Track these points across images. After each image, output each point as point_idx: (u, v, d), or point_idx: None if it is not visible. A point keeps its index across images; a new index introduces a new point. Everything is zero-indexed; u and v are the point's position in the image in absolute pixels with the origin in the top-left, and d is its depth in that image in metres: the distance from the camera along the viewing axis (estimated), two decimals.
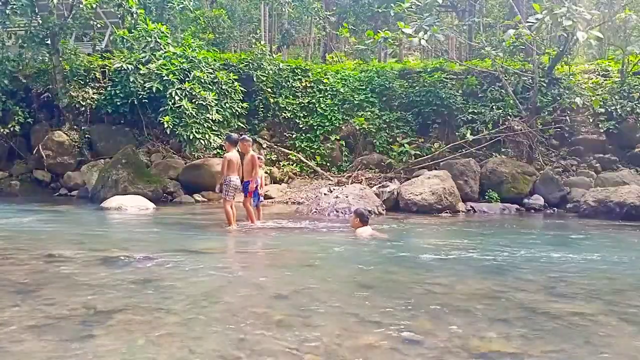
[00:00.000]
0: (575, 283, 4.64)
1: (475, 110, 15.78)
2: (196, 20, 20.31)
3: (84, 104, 15.85)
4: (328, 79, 17.24)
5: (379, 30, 14.96)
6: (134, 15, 14.22)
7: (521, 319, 3.39)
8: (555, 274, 4.94)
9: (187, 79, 13.49)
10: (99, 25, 17.39)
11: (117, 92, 15.70)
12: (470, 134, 14.97)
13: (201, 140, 13.16)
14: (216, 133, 13.73)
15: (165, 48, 13.75)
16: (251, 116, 16.28)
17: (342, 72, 17.69)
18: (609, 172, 14.00)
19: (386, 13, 19.52)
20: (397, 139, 15.86)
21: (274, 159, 16.04)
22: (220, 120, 13.96)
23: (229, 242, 6.75)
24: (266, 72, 16.45)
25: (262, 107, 16.63)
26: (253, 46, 18.39)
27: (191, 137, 12.96)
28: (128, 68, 14.02)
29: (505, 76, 15.46)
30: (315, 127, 16.58)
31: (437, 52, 19.68)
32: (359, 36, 23.57)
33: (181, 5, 17.71)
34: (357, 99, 16.76)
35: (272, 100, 16.70)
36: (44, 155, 14.95)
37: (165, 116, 12.87)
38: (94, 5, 14.54)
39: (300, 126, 16.70)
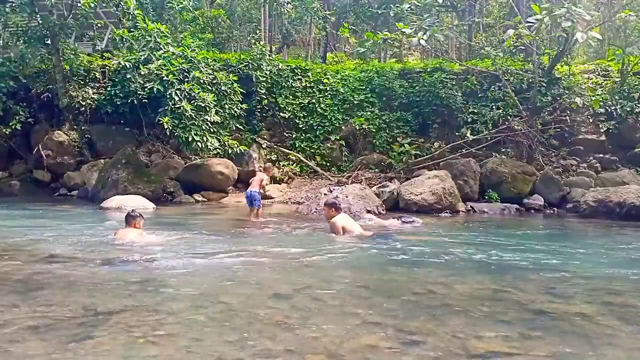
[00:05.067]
0: (575, 283, 4.63)
1: (476, 110, 15.77)
2: (195, 21, 20.31)
3: (83, 104, 15.85)
4: (328, 79, 17.23)
5: (379, 32, 14.95)
6: (130, 16, 14.20)
7: (521, 319, 3.39)
8: (555, 274, 4.94)
9: (187, 79, 13.48)
10: (98, 25, 17.39)
11: (117, 92, 15.72)
12: (471, 134, 14.97)
13: (199, 143, 13.12)
14: (214, 135, 13.70)
15: (165, 48, 13.74)
16: (251, 116, 16.27)
17: (342, 72, 17.69)
18: (609, 172, 13.99)
19: (386, 13, 19.52)
20: (397, 139, 15.86)
21: (273, 159, 16.04)
22: (219, 122, 13.94)
23: (228, 243, 6.75)
24: (266, 72, 16.44)
25: (261, 107, 16.63)
26: (253, 46, 18.38)
27: (189, 139, 12.94)
28: (127, 66, 14.02)
29: (505, 76, 15.46)
30: (315, 127, 16.58)
31: (437, 52, 19.68)
32: (359, 36, 23.58)
33: (181, 5, 17.70)
34: (357, 99, 16.75)
35: (271, 100, 16.69)
36: (44, 155, 14.95)
37: (164, 117, 12.86)
38: (93, 5, 14.52)
39: (300, 126, 16.70)
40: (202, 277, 4.58)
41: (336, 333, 3.02)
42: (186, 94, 13.08)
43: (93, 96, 16.01)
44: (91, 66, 16.50)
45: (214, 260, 5.41)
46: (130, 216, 6.67)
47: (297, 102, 16.85)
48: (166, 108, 12.96)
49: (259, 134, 16.45)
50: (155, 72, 13.31)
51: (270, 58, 17.17)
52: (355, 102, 16.72)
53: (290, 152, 16.21)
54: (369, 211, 10.77)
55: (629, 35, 17.55)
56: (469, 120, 15.69)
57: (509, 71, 15.75)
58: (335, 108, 16.74)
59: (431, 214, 11.13)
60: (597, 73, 16.72)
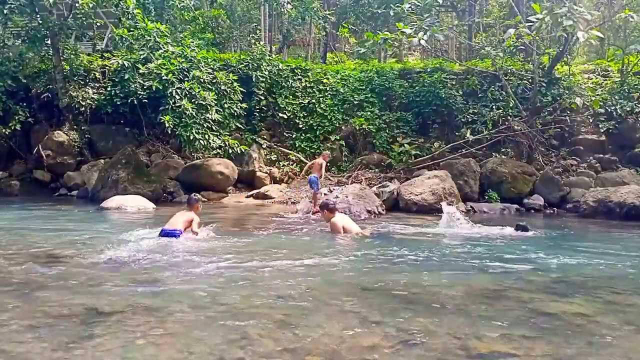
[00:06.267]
0: (576, 283, 4.63)
1: (475, 111, 15.78)
2: (195, 21, 20.31)
3: (84, 104, 15.85)
4: (328, 79, 17.25)
5: (379, 32, 14.96)
6: (130, 16, 14.19)
7: (521, 319, 3.39)
8: (555, 274, 4.93)
9: (187, 78, 13.48)
10: (98, 25, 17.38)
11: (117, 92, 15.72)
12: (471, 134, 14.98)
13: (201, 141, 13.15)
14: (215, 133, 13.70)
15: (164, 47, 13.74)
16: (251, 116, 16.28)
17: (342, 72, 17.71)
18: (609, 172, 14.00)
19: (386, 13, 19.53)
20: (397, 139, 15.86)
21: (273, 159, 16.04)
22: (220, 120, 13.94)
23: (228, 243, 6.75)
24: (265, 72, 16.45)
25: (261, 107, 16.63)
26: (253, 46, 18.39)
27: (191, 137, 12.96)
28: (125, 64, 14.02)
29: (505, 76, 15.47)
30: (315, 127, 16.58)
31: (437, 52, 19.68)
32: (359, 36, 23.58)
33: (182, 4, 17.70)
34: (357, 99, 16.76)
35: (271, 100, 16.70)
36: (44, 155, 14.95)
37: (165, 115, 12.87)
38: (91, 5, 14.52)
39: (300, 126, 16.71)
40: (202, 277, 4.58)
41: (336, 333, 3.02)
42: (186, 93, 13.09)
43: (93, 96, 16.01)
44: (91, 66, 16.51)
45: (214, 260, 5.41)
46: (192, 199, 7.36)
47: (297, 102, 16.86)
48: (167, 107, 12.97)
49: (259, 134, 16.46)
50: (155, 71, 13.32)
51: (270, 58, 17.18)
52: (355, 102, 16.73)
53: (290, 152, 16.21)
54: (369, 211, 10.76)
55: (629, 35, 17.56)
56: (469, 120, 15.69)
57: (509, 71, 15.75)
58: (335, 108, 16.74)
59: (431, 214, 11.12)
60: (597, 73, 16.74)
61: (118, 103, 15.67)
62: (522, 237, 7.70)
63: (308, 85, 17.17)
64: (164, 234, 6.69)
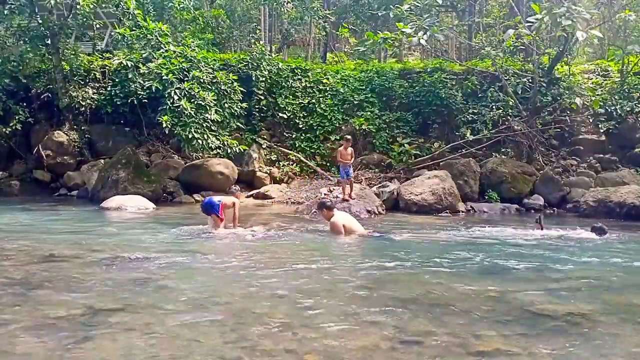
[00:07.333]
0: (575, 283, 4.63)
1: (475, 110, 15.76)
2: (195, 21, 20.31)
3: (83, 104, 15.84)
4: (328, 79, 17.23)
5: (379, 32, 14.96)
6: (130, 16, 14.17)
7: (521, 319, 3.39)
8: (555, 274, 4.93)
9: (186, 78, 13.47)
10: (98, 26, 17.37)
11: (117, 92, 15.72)
12: (470, 134, 14.97)
13: (199, 141, 13.13)
14: (214, 134, 13.69)
15: (165, 47, 13.73)
16: (251, 116, 16.27)
17: (342, 72, 17.69)
18: (609, 172, 13.99)
19: (386, 14, 19.54)
20: (397, 139, 15.85)
21: (273, 159, 16.03)
22: (219, 120, 13.94)
23: (229, 243, 6.76)
24: (265, 72, 16.44)
25: (261, 107, 16.61)
26: (253, 46, 18.39)
27: (190, 137, 12.95)
28: (128, 64, 14.02)
29: (505, 76, 15.46)
30: (315, 127, 16.57)
31: (437, 52, 19.68)
32: (359, 36, 23.58)
33: (181, 5, 17.69)
34: (357, 99, 16.74)
35: (271, 100, 16.69)
36: (43, 155, 14.93)
37: (164, 115, 12.86)
38: (92, 5, 14.50)
39: (300, 126, 16.69)
40: (203, 277, 4.58)
41: (336, 333, 3.02)
42: (186, 93, 13.08)
43: (93, 96, 15.99)
44: (91, 66, 16.49)
45: (214, 259, 5.41)
46: (230, 191, 8.56)
47: (297, 102, 16.84)
48: (165, 107, 12.96)
49: (258, 133, 16.44)
50: (155, 71, 13.31)
51: (270, 58, 17.16)
52: (355, 102, 16.71)
53: (290, 152, 16.20)
54: (369, 211, 10.77)
55: (629, 35, 17.55)
56: (469, 120, 15.67)
57: (509, 71, 15.75)
58: (335, 108, 16.73)
59: (431, 214, 11.12)
60: (597, 73, 16.72)
61: (118, 103, 15.66)
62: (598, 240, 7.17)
63: (308, 85, 17.16)
64: (207, 201, 7.66)
